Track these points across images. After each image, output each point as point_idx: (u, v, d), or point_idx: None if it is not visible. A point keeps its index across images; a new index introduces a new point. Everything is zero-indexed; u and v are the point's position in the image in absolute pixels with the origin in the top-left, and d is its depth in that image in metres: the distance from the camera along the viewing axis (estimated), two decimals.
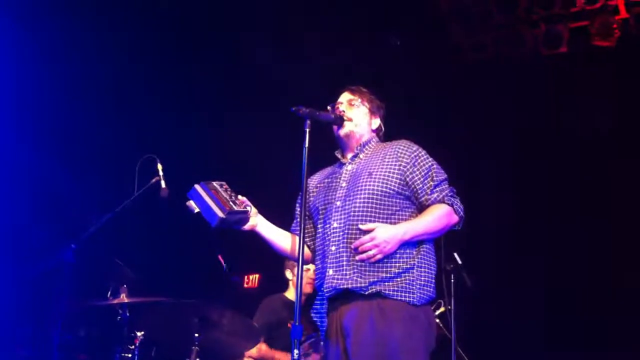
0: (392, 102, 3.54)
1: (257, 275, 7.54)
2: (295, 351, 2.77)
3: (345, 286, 3.02)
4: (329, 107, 3.37)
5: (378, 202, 3.08)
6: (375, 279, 3.00)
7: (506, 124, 6.37)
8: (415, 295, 3.02)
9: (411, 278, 3.03)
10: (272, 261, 5.14)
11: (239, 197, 3.18)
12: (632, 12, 5.99)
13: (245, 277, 7.74)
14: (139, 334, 4.20)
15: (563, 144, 6.35)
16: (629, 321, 5.75)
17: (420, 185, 3.13)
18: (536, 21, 6.34)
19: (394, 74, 6.26)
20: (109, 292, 4.31)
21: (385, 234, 2.98)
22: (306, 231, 3.34)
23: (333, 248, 3.10)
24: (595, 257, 6.03)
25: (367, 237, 2.99)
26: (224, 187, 3.18)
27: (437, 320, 4.64)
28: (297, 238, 3.28)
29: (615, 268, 5.97)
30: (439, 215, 3.09)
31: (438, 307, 4.57)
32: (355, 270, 3.01)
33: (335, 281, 3.04)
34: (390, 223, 3.06)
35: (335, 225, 3.13)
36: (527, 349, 5.96)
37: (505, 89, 6.36)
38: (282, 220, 3.44)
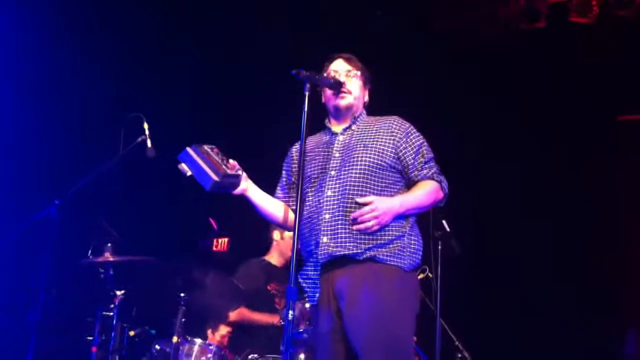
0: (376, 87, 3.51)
1: (226, 239, 7.48)
2: (290, 312, 2.79)
3: (342, 253, 3.08)
4: (324, 74, 3.33)
5: (373, 175, 3.16)
6: (370, 245, 3.09)
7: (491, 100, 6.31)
8: (405, 262, 3.13)
9: (402, 245, 3.14)
10: (241, 224, 5.13)
11: (230, 160, 3.18)
12: None
13: (214, 240, 7.66)
14: (118, 293, 4.18)
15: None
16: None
17: (412, 161, 3.22)
18: None
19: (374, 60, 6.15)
20: (90, 251, 4.28)
21: (384, 206, 3.07)
22: (291, 197, 3.41)
23: (327, 216, 3.14)
24: (597, 226, 6.01)
25: (367, 208, 3.05)
26: (215, 150, 3.18)
27: None
28: (284, 205, 3.40)
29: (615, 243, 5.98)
30: (429, 191, 3.21)
31: (422, 273, 4.57)
32: (352, 237, 3.08)
33: (330, 248, 3.10)
34: (383, 196, 3.13)
35: (329, 193, 3.16)
36: (511, 317, 5.99)
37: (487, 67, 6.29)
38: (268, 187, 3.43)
